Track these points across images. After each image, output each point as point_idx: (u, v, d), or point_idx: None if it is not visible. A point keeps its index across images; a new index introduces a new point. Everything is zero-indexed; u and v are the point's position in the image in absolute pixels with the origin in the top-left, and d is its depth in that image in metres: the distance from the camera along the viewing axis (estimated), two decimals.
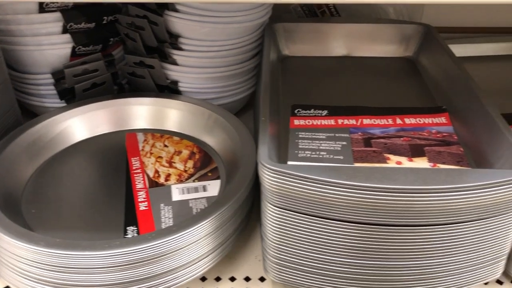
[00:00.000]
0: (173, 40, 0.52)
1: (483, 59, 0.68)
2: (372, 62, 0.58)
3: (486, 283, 0.43)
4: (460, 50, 0.67)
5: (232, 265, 0.44)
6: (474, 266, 0.37)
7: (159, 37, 0.52)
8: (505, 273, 0.42)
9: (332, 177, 0.32)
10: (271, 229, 0.36)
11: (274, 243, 0.36)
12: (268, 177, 0.34)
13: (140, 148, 0.51)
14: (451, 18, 0.71)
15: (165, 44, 0.52)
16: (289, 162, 0.40)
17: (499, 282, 0.43)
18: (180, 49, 0.53)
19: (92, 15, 0.54)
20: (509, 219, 0.35)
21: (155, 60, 0.53)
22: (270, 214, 0.36)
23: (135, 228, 0.41)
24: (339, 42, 0.59)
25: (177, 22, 0.51)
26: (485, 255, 0.36)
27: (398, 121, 0.46)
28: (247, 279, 0.43)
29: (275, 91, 0.49)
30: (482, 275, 0.38)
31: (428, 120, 0.46)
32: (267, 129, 0.38)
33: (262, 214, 0.37)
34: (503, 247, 0.37)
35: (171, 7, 0.50)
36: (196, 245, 0.38)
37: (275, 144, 0.41)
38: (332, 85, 0.53)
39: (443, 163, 0.40)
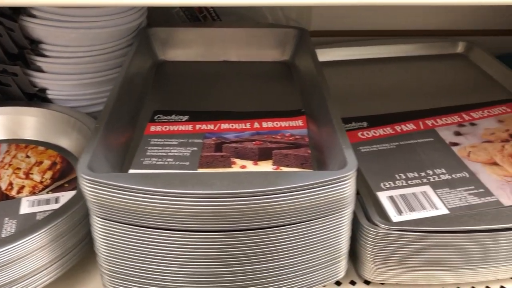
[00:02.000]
0: (34, 46, 0.50)
1: (376, 61, 0.69)
2: (250, 67, 0.57)
3: (339, 284, 0.43)
4: (347, 53, 0.69)
5: (85, 278, 0.42)
6: (310, 268, 0.37)
7: (19, 44, 0.50)
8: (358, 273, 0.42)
9: (146, 185, 0.32)
10: (99, 242, 0.35)
11: (105, 255, 0.35)
12: (87, 188, 0.33)
13: (0, 159, 0.49)
14: (341, 22, 0.72)
15: (26, 50, 0.50)
16: (131, 170, 0.39)
17: (352, 282, 0.43)
18: (43, 55, 0.51)
19: None
20: (338, 220, 0.35)
21: (17, 67, 0.51)
22: (96, 226, 0.34)
23: None
24: (217, 46, 0.58)
25: (35, 28, 0.49)
26: (321, 256, 0.36)
27: (256, 125, 0.46)
28: None
29: (137, 97, 0.48)
30: (322, 277, 0.38)
31: (285, 123, 0.46)
32: (97, 136, 0.37)
33: (91, 226, 0.35)
34: (338, 247, 0.37)
35: (27, 12, 0.49)
36: (26, 259, 0.36)
37: (118, 151, 0.40)
38: (206, 90, 0.52)
39: (287, 165, 0.40)
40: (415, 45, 0.70)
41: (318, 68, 0.48)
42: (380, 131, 0.53)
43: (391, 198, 0.43)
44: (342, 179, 0.33)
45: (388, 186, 0.45)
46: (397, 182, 0.45)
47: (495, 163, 0.47)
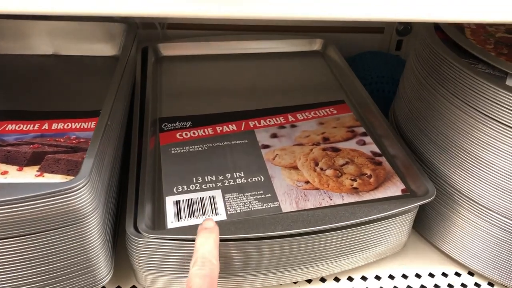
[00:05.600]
0: None
1: (230, 57, 0.67)
2: (79, 62, 0.56)
3: None
4: (197, 48, 0.67)
5: None
6: (58, 277, 0.36)
7: None
8: None
9: None
10: None
11: None
12: None
13: None
14: None
15: None
16: None
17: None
18: None
19: None
20: (77, 231, 0.34)
21: None
22: None
23: None
24: (44, 39, 0.56)
25: None
26: (65, 266, 0.36)
27: (45, 126, 0.44)
28: None
29: None
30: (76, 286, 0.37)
31: (76, 125, 0.45)
32: None
33: None
34: (86, 258, 0.36)
35: None
36: None
37: None
38: (31, 86, 0.50)
39: (52, 172, 0.39)
40: (272, 41, 0.69)
41: (121, 64, 0.47)
42: (200, 132, 0.52)
43: (177, 203, 0.43)
44: (64, 192, 0.32)
45: (181, 190, 0.44)
46: (192, 186, 0.45)
47: (295, 167, 0.47)
